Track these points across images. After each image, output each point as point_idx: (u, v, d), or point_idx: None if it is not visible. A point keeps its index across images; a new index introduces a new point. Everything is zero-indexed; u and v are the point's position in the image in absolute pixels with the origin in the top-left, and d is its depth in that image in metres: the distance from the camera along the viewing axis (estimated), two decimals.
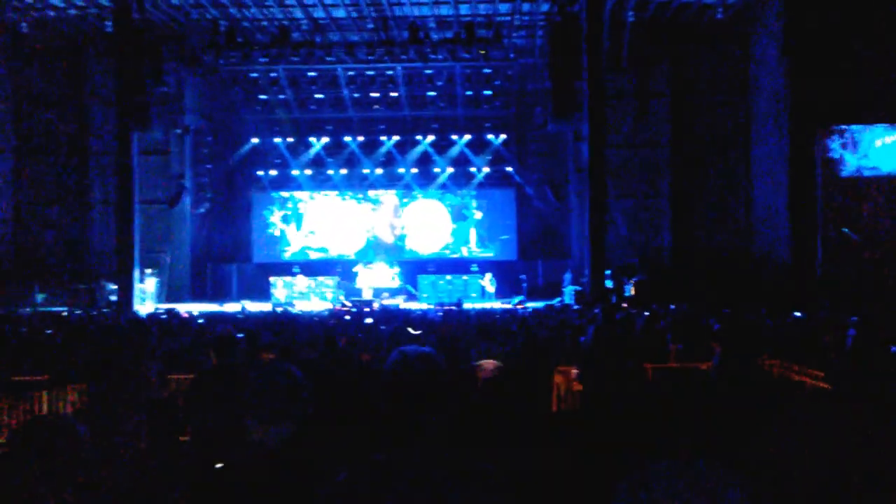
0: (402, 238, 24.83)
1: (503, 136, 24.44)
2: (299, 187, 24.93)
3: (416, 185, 24.82)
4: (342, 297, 20.27)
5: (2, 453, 2.19)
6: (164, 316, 11.59)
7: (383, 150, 24.58)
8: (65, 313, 12.72)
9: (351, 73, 22.36)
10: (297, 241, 24.93)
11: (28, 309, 16.10)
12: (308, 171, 24.73)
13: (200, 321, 9.91)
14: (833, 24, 15.39)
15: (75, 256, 20.74)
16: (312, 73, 22.46)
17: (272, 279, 21.58)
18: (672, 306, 10.67)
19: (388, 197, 24.97)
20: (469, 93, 23.61)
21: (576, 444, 2.88)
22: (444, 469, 1.94)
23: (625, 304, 15.07)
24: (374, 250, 24.28)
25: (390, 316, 10.56)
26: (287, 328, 7.85)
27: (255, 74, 22.71)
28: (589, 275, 15.88)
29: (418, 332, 5.91)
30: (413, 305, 18.08)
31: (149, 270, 19.70)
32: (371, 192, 24.96)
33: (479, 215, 24.89)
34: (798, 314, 8.73)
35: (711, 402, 2.47)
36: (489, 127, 24.59)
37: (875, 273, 14.96)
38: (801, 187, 15.92)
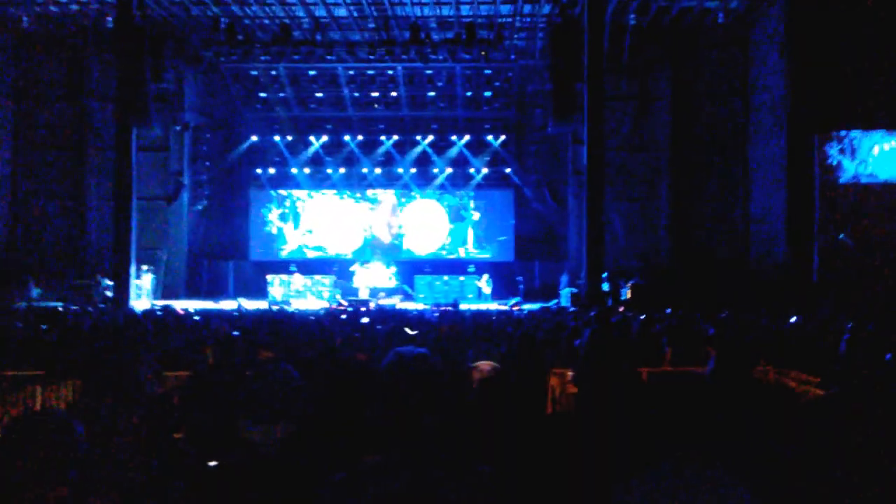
0: (399, 238, 24.83)
1: (502, 138, 24.46)
2: (298, 186, 24.93)
3: (415, 185, 24.83)
4: (339, 297, 20.27)
5: None
6: (159, 312, 11.57)
7: (382, 149, 24.60)
8: (60, 309, 12.68)
9: (351, 72, 22.36)
10: (294, 240, 24.92)
11: (23, 304, 16.06)
12: (307, 170, 24.73)
13: (196, 318, 9.89)
14: (833, 29, 15.42)
15: (72, 252, 20.71)
16: (313, 72, 22.46)
17: (269, 277, 21.57)
18: (668, 310, 10.67)
19: (387, 196, 24.98)
20: (469, 94, 23.62)
21: (570, 446, 2.88)
22: (439, 470, 1.95)
23: (621, 308, 15.09)
24: (371, 250, 24.28)
25: (386, 316, 10.55)
26: (283, 327, 7.84)
27: (255, 72, 22.71)
28: (585, 277, 15.88)
29: (415, 333, 5.91)
30: (409, 306, 18.08)
31: (145, 267, 19.68)
32: (369, 192, 24.96)
33: (476, 216, 24.90)
34: (794, 319, 8.73)
35: (706, 406, 2.47)
36: (488, 128, 24.61)
37: (871, 280, 14.98)
38: (799, 192, 15.94)
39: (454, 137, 24.44)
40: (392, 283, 22.26)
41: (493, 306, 18.04)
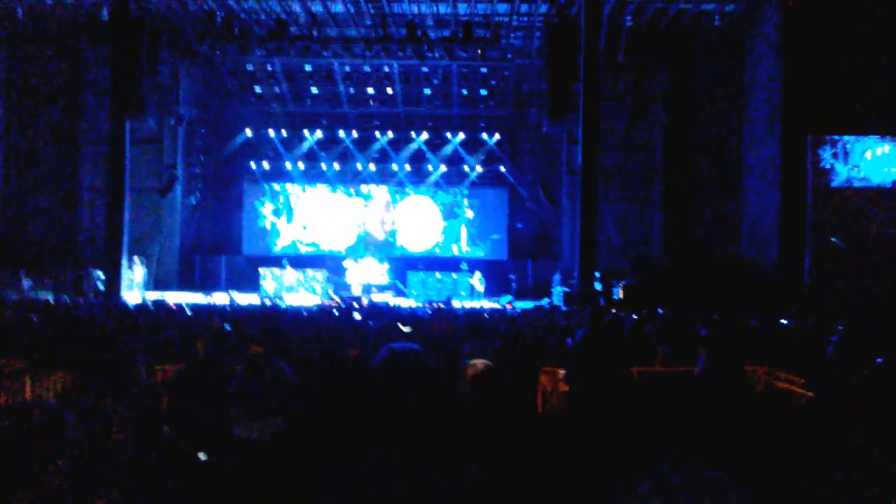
0: (392, 234, 24.82)
1: (497, 136, 24.46)
2: (291, 180, 24.89)
3: (409, 182, 24.82)
4: (331, 292, 20.25)
5: None
6: (151, 305, 11.54)
7: (377, 146, 24.57)
8: (52, 300, 12.64)
9: (347, 68, 22.32)
10: (287, 234, 24.88)
11: (15, 295, 16.00)
12: (301, 165, 24.69)
13: (188, 312, 9.87)
14: (828, 34, 15.49)
15: (64, 244, 20.62)
16: (308, 67, 22.41)
17: (261, 271, 21.52)
18: (660, 310, 10.71)
19: (380, 193, 24.96)
20: (465, 92, 23.61)
21: (562, 444, 2.89)
22: (432, 468, 1.95)
23: (613, 309, 15.12)
24: (364, 246, 24.26)
25: (379, 312, 10.56)
26: (275, 322, 7.84)
27: (250, 67, 22.64)
28: (578, 277, 15.92)
29: (409, 330, 5.91)
30: (401, 302, 18.07)
31: (137, 259, 19.62)
32: (363, 188, 24.94)
33: (470, 214, 24.91)
34: (784, 321, 8.78)
35: (696, 404, 2.48)
36: (484, 126, 24.60)
37: (863, 282, 15.07)
38: (792, 195, 16.01)
39: (449, 135, 24.43)
40: (385, 279, 22.25)
41: (486, 304, 18.06)
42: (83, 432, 2.42)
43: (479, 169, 24.60)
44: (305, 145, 24.55)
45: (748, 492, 2.05)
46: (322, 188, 24.97)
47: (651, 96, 20.34)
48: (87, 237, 20.56)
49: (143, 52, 18.13)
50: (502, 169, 24.58)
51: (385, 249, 24.13)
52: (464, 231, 24.84)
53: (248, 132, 24.28)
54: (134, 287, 18.99)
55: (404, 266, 22.77)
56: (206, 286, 21.74)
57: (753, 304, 12.87)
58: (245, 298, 16.92)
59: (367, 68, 22.30)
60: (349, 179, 24.92)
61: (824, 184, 15.78)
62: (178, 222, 22.25)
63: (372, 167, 24.67)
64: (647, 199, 20.57)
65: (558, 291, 18.68)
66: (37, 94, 20.77)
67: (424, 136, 24.44)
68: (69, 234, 20.78)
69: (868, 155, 15.64)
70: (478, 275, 21.67)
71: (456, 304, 16.07)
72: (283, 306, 13.12)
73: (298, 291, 20.81)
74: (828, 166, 15.74)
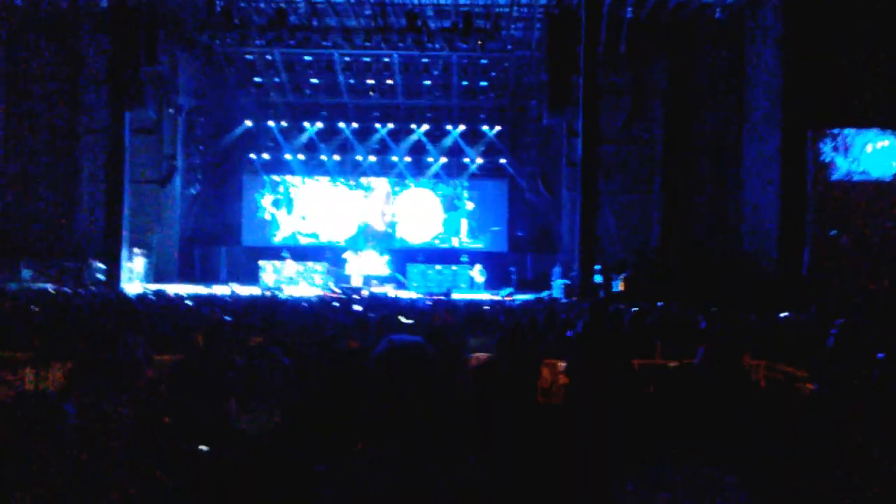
0: (392, 226, 24.81)
1: (497, 128, 24.42)
2: (291, 172, 24.86)
3: (409, 174, 24.79)
4: (331, 284, 20.25)
5: None
6: (151, 296, 11.54)
7: (377, 137, 24.54)
8: (52, 291, 12.64)
9: (347, 59, 22.24)
10: (287, 226, 24.87)
11: (15, 286, 15.99)
12: (301, 156, 24.65)
13: (188, 303, 9.87)
14: (829, 27, 15.43)
15: (64, 234, 20.59)
16: (308, 58, 22.34)
17: (261, 263, 21.51)
18: (660, 303, 10.70)
19: (380, 184, 24.93)
20: (465, 83, 23.55)
21: (562, 436, 2.89)
22: (431, 462, 1.95)
23: (613, 302, 15.11)
24: (364, 238, 24.25)
25: (379, 304, 10.56)
26: (275, 313, 7.84)
27: (250, 57, 22.56)
28: (578, 269, 15.92)
29: (410, 322, 5.91)
30: (402, 294, 18.07)
31: (137, 250, 19.61)
32: (363, 179, 24.90)
33: (470, 206, 24.90)
34: (784, 314, 8.78)
35: (695, 397, 2.48)
36: (484, 118, 24.56)
37: (862, 277, 15.07)
38: (792, 188, 15.99)
39: (449, 127, 24.39)
40: (385, 271, 22.25)
41: (486, 296, 18.06)
42: (83, 423, 2.42)
43: (479, 161, 24.58)
44: (305, 136, 24.51)
45: (747, 490, 2.06)
46: (322, 180, 24.94)
47: (651, 89, 20.30)
48: (87, 228, 20.54)
49: (142, 42, 18.06)
50: (502, 161, 24.56)
51: (385, 241, 24.13)
52: (464, 223, 24.83)
53: (248, 123, 24.24)
54: (134, 278, 18.98)
55: (404, 258, 22.77)
56: (206, 277, 21.76)
57: (752, 298, 12.87)
58: (245, 290, 16.92)
59: (367, 59, 22.24)
60: (349, 171, 24.89)
61: (824, 177, 15.76)
62: (177, 213, 22.23)
63: (372, 159, 24.63)
64: (647, 191, 20.55)
65: (558, 284, 18.69)
66: (36, 85, 20.70)
67: (424, 127, 24.40)
68: (69, 224, 20.75)
69: (869, 148, 15.61)
70: (478, 267, 21.67)
71: (456, 296, 16.08)
72: (283, 298, 13.12)
73: (298, 283, 20.81)
74: (828, 160, 15.71)
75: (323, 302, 10.94)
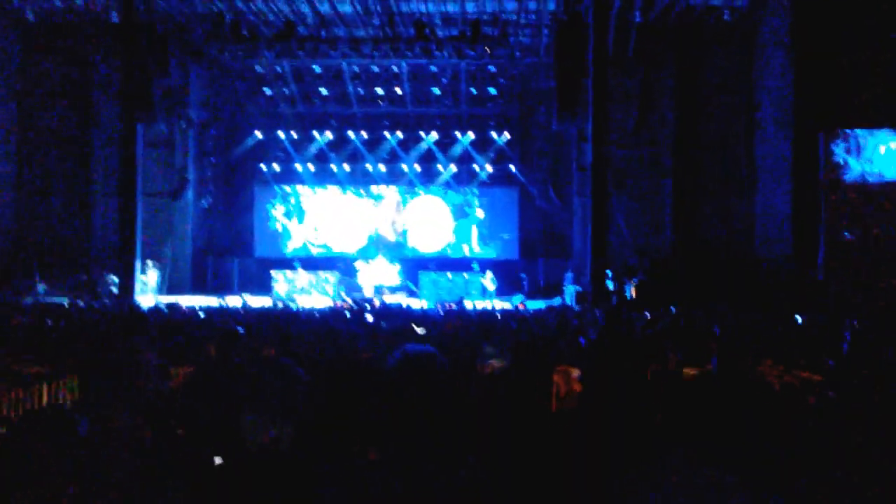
0: (404, 235, 24.84)
1: (507, 135, 24.42)
2: (302, 182, 24.94)
3: (419, 182, 24.82)
4: (343, 294, 20.27)
5: (1, 445, 2.19)
6: (164, 309, 11.59)
7: (387, 146, 24.59)
8: (66, 304, 12.72)
9: (356, 68, 22.34)
10: (298, 236, 24.94)
11: (29, 299, 16.11)
12: (311, 166, 24.73)
13: (201, 315, 9.91)
14: (839, 27, 15.36)
15: (77, 248, 20.74)
16: (317, 68, 22.45)
17: (273, 273, 21.57)
18: (672, 308, 10.66)
19: (391, 193, 24.97)
20: (473, 91, 23.58)
21: (575, 444, 2.88)
22: (444, 472, 1.94)
23: (625, 308, 15.06)
24: (375, 247, 24.28)
25: (391, 313, 10.56)
26: (288, 324, 7.85)
27: (259, 68, 22.71)
28: (590, 275, 15.87)
29: (422, 331, 5.90)
30: (413, 303, 18.06)
31: (150, 263, 19.71)
32: (374, 188, 24.96)
33: (481, 213, 24.88)
34: (799, 318, 8.72)
35: (709, 404, 2.46)
36: (493, 125, 24.55)
37: (877, 279, 14.93)
38: (804, 191, 15.90)
39: (458, 134, 24.42)
40: (397, 280, 22.25)
41: (498, 304, 18.03)
42: (96, 436, 2.43)
43: (488, 168, 24.57)
44: (315, 146, 24.60)
45: (748, 490, 2.04)
46: (333, 189, 25.01)
47: (660, 92, 20.25)
48: (100, 241, 20.67)
49: (153, 55, 18.20)
50: (512, 168, 24.54)
51: (396, 250, 24.14)
52: (474, 231, 24.82)
53: (259, 134, 24.36)
54: (147, 291, 19.08)
55: (416, 267, 22.76)
56: (219, 289, 21.83)
57: (766, 302, 12.79)
58: (257, 301, 16.97)
59: (375, 68, 22.33)
60: (359, 180, 24.94)
61: (837, 179, 15.64)
62: (190, 225, 22.34)
63: (382, 168, 24.68)
64: (658, 195, 20.47)
65: (570, 291, 18.63)
66: (48, 97, 20.90)
67: (434, 135, 24.43)
68: (82, 238, 20.91)
69: (882, 149, 15.50)
70: (489, 274, 21.65)
71: (468, 304, 16.05)
72: (295, 308, 13.14)
73: (311, 293, 20.85)
74: (841, 161, 15.61)
75: (335, 312, 10.95)
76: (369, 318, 8.99)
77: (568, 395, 4.99)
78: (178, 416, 3.83)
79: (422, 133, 24.48)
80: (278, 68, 22.53)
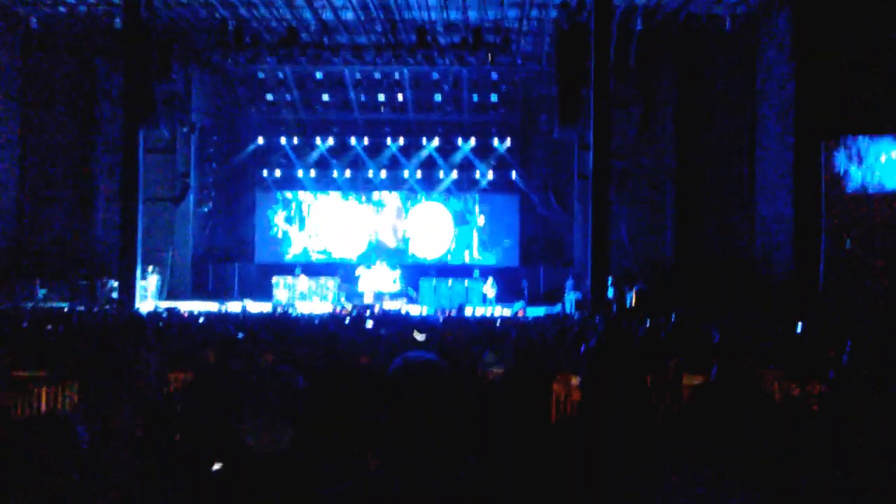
0: (405, 241, 24.84)
1: (508, 142, 24.45)
2: (303, 188, 24.96)
3: (420, 189, 24.84)
4: (343, 300, 20.26)
5: (1, 448, 2.18)
6: (164, 314, 11.59)
7: (388, 152, 24.62)
8: (66, 309, 12.72)
9: (357, 75, 22.40)
10: (299, 242, 24.95)
11: (30, 304, 16.11)
12: (312, 172, 24.75)
13: (201, 320, 9.91)
14: (840, 36, 15.39)
15: (78, 253, 20.75)
16: (319, 75, 22.50)
17: (274, 279, 21.57)
18: (673, 316, 10.65)
19: (392, 199, 24.99)
20: (475, 98, 23.61)
21: (575, 451, 2.87)
22: (442, 478, 1.93)
23: (625, 316, 15.04)
24: (376, 253, 24.28)
25: (390, 320, 10.55)
26: (288, 329, 7.85)
27: (261, 74, 22.76)
28: (590, 283, 15.86)
29: (422, 338, 5.89)
30: (413, 310, 18.04)
31: (151, 268, 19.71)
32: (375, 195, 24.97)
33: (482, 220, 24.89)
34: (799, 327, 8.70)
35: (709, 412, 2.46)
36: (494, 132, 24.58)
37: (878, 289, 14.91)
38: (806, 199, 15.89)
39: (460, 141, 24.45)
40: (397, 286, 22.24)
41: (498, 311, 18.02)
42: (95, 441, 2.42)
43: (490, 175, 24.59)
44: (317, 152, 24.62)
45: (748, 490, 2.03)
46: (334, 195, 25.02)
47: (662, 100, 20.28)
48: (101, 246, 20.68)
49: (155, 61, 18.25)
50: (513, 175, 24.56)
51: (397, 256, 24.14)
52: (475, 237, 24.82)
53: (260, 140, 24.40)
54: (148, 296, 19.08)
55: (416, 273, 22.75)
56: (220, 294, 21.82)
57: (767, 310, 12.78)
58: (258, 306, 16.97)
59: (377, 75, 22.38)
60: (361, 186, 24.96)
61: (838, 188, 15.65)
62: (191, 231, 22.35)
63: (383, 174, 24.70)
64: (659, 203, 20.48)
65: (571, 298, 18.61)
66: (51, 104, 20.94)
67: (435, 142, 24.46)
68: (84, 243, 20.92)
69: (883, 158, 15.50)
70: (490, 281, 21.64)
71: (468, 311, 16.05)
72: (296, 314, 13.14)
73: (311, 299, 20.84)
74: (842, 170, 15.61)
75: (335, 318, 10.95)
76: (369, 324, 8.99)
77: (568, 402, 4.99)
78: (175, 421, 3.83)
79: (423, 140, 24.51)
80: (280, 74, 22.58)
